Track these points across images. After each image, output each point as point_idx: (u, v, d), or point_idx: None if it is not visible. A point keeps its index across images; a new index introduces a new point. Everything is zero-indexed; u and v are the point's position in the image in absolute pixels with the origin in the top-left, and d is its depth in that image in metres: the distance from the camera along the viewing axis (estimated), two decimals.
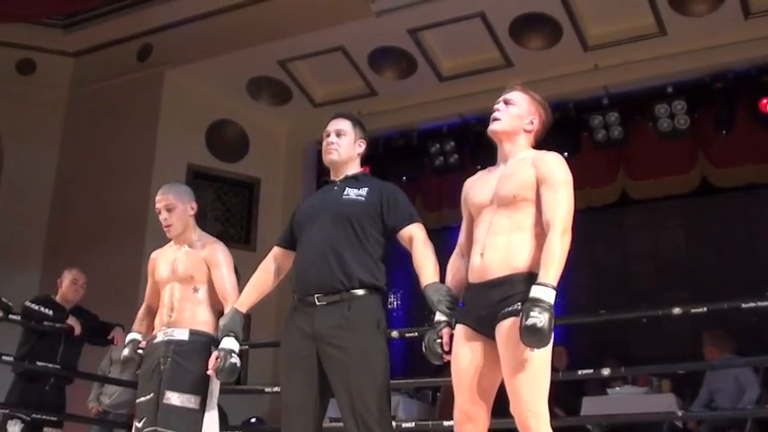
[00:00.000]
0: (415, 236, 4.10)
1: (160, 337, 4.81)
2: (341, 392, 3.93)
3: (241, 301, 4.46)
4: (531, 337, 3.29)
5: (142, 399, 4.76)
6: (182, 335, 4.77)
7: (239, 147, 10.93)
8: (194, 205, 5.13)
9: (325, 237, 4.09)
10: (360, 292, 4.01)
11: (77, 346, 7.44)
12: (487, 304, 3.53)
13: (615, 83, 9.67)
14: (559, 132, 9.88)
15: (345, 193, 4.20)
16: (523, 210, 3.59)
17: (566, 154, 10.04)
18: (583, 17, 9.27)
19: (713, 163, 9.71)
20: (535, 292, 3.36)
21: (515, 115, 3.77)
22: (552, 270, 3.39)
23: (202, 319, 4.86)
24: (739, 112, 9.34)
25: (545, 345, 3.35)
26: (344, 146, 4.30)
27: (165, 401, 4.62)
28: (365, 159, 4.45)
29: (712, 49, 9.08)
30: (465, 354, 3.61)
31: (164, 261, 5.06)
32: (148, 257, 5.23)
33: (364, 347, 3.93)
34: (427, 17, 9.38)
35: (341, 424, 4.01)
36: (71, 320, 7.12)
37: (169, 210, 5.03)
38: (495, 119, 3.77)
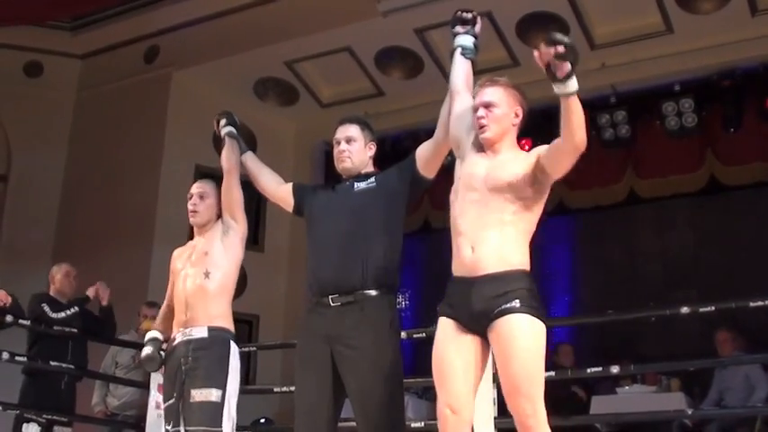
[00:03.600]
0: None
1: (179, 338, 4.82)
2: (353, 392, 3.94)
3: None
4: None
5: (168, 402, 4.78)
6: (200, 333, 4.77)
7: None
8: None
9: (337, 236, 4.09)
10: (373, 292, 4.00)
11: (83, 344, 7.48)
12: (481, 299, 3.50)
13: (622, 81, 9.66)
14: None
15: (356, 187, 4.21)
16: (513, 205, 3.57)
17: None
18: (589, 16, 9.26)
19: (721, 161, 9.69)
20: None
21: (501, 116, 3.73)
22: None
23: (217, 313, 4.84)
24: (747, 109, 9.32)
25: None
26: (356, 152, 4.28)
27: (191, 401, 4.64)
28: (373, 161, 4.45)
29: (720, 46, 9.08)
30: (454, 348, 3.55)
31: (182, 253, 5.11)
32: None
33: (377, 347, 3.92)
34: (434, 16, 9.37)
35: (353, 423, 4.02)
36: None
37: (201, 196, 5.10)
38: (483, 126, 3.71)
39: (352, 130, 4.32)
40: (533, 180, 3.57)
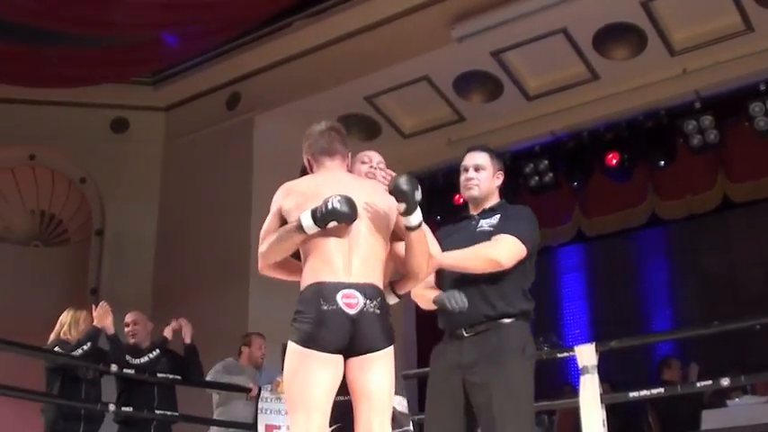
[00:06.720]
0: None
1: None
2: (484, 423, 3.93)
3: None
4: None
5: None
6: None
7: None
8: None
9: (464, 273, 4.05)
10: (506, 320, 4.00)
11: (170, 388, 7.56)
12: None
13: (706, 85, 9.45)
14: (653, 141, 9.76)
15: (479, 225, 4.18)
16: None
17: (662, 163, 9.91)
18: (666, 22, 9.13)
19: None
20: None
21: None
22: None
23: None
24: None
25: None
26: (484, 180, 4.24)
27: None
28: None
29: None
30: None
31: None
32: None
33: (508, 376, 3.89)
34: (509, 38, 9.35)
35: None
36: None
37: None
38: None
39: (481, 158, 4.28)
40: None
